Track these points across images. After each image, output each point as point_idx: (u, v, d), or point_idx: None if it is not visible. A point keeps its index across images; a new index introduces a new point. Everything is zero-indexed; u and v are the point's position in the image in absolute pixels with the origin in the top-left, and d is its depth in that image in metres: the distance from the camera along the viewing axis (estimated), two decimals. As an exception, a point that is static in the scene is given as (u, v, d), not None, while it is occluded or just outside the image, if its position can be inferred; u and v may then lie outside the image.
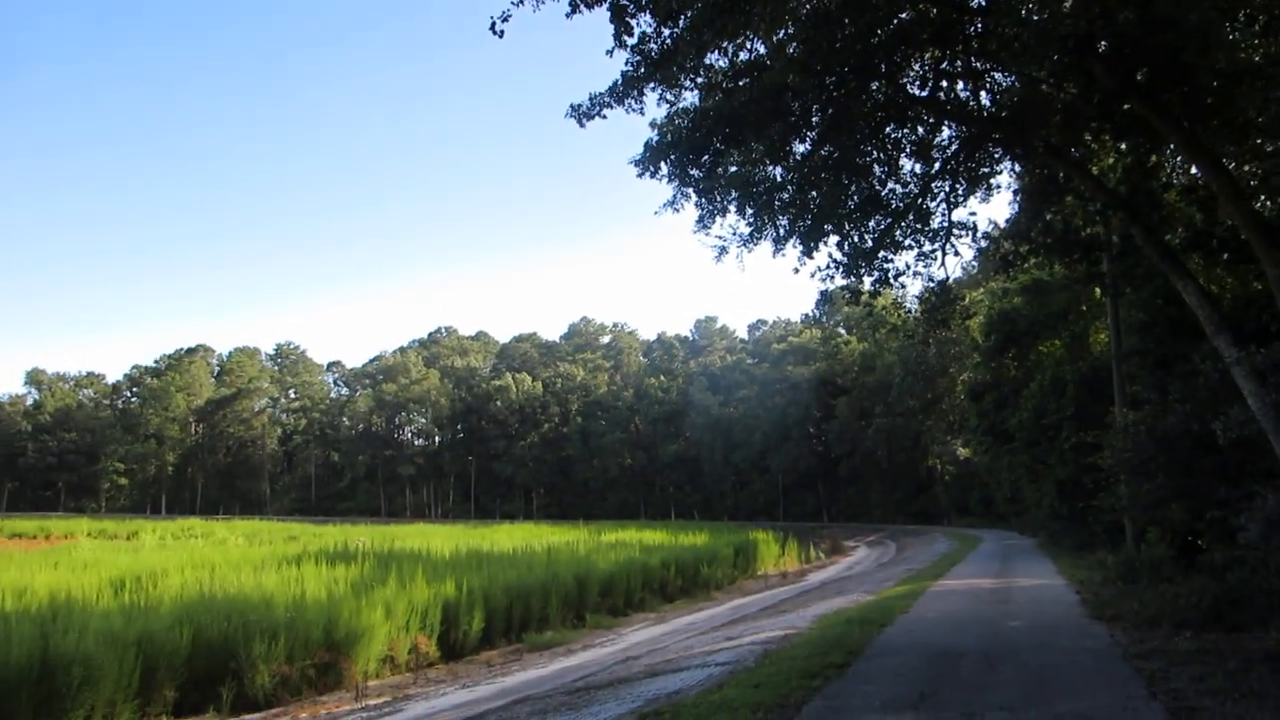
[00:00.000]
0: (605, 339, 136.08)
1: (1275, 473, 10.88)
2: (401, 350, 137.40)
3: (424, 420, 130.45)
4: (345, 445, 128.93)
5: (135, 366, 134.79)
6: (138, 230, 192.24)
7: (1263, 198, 13.72)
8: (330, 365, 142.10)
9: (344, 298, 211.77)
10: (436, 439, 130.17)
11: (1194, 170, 13.93)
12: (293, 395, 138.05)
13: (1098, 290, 21.32)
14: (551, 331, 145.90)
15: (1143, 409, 16.63)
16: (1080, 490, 26.02)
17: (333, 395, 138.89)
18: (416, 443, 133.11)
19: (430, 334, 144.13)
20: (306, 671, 13.66)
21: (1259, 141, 13.72)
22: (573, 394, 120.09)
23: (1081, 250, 16.68)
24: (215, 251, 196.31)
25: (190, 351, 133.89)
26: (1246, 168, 13.81)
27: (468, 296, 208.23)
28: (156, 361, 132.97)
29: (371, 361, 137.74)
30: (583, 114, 12.42)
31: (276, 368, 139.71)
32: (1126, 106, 12.65)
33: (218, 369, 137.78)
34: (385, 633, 15.12)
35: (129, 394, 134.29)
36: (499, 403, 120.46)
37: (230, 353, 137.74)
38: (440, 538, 36.96)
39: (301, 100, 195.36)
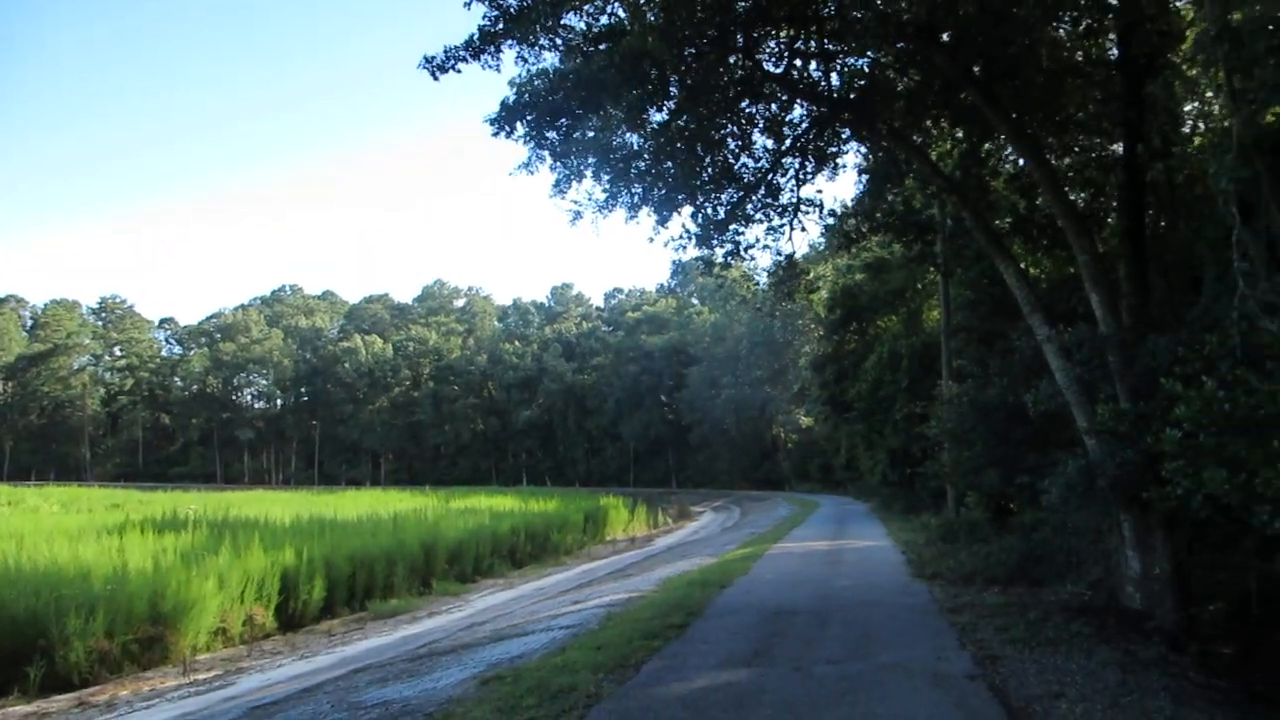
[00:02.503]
0: (459, 302, 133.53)
1: (1076, 441, 11.86)
2: (242, 308, 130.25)
3: (265, 382, 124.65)
4: (177, 407, 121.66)
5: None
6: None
7: (1078, 189, 14.78)
8: (162, 322, 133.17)
9: (179, 252, 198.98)
10: (278, 402, 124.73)
11: (1020, 160, 14.86)
12: (118, 353, 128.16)
13: (932, 269, 22.52)
14: (404, 293, 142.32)
15: (966, 382, 17.75)
16: (910, 458, 27.66)
17: (164, 354, 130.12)
18: (256, 405, 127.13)
19: (274, 292, 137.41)
20: (129, 647, 12.92)
21: (1078, 136, 14.79)
22: (425, 357, 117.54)
23: (918, 231, 17.55)
24: (31, 196, 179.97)
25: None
26: (1066, 160, 14.83)
27: (315, 255, 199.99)
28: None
29: (209, 319, 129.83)
30: (437, 66, 12.04)
31: (100, 323, 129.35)
32: (963, 96, 13.33)
33: (30, 322, 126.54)
34: (217, 604, 14.49)
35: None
36: (347, 365, 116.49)
37: (45, 305, 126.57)
38: (280, 505, 35.59)
39: (141, 43, 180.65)
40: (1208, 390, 7.14)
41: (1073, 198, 13.92)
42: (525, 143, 13.37)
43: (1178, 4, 12.00)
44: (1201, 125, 13.51)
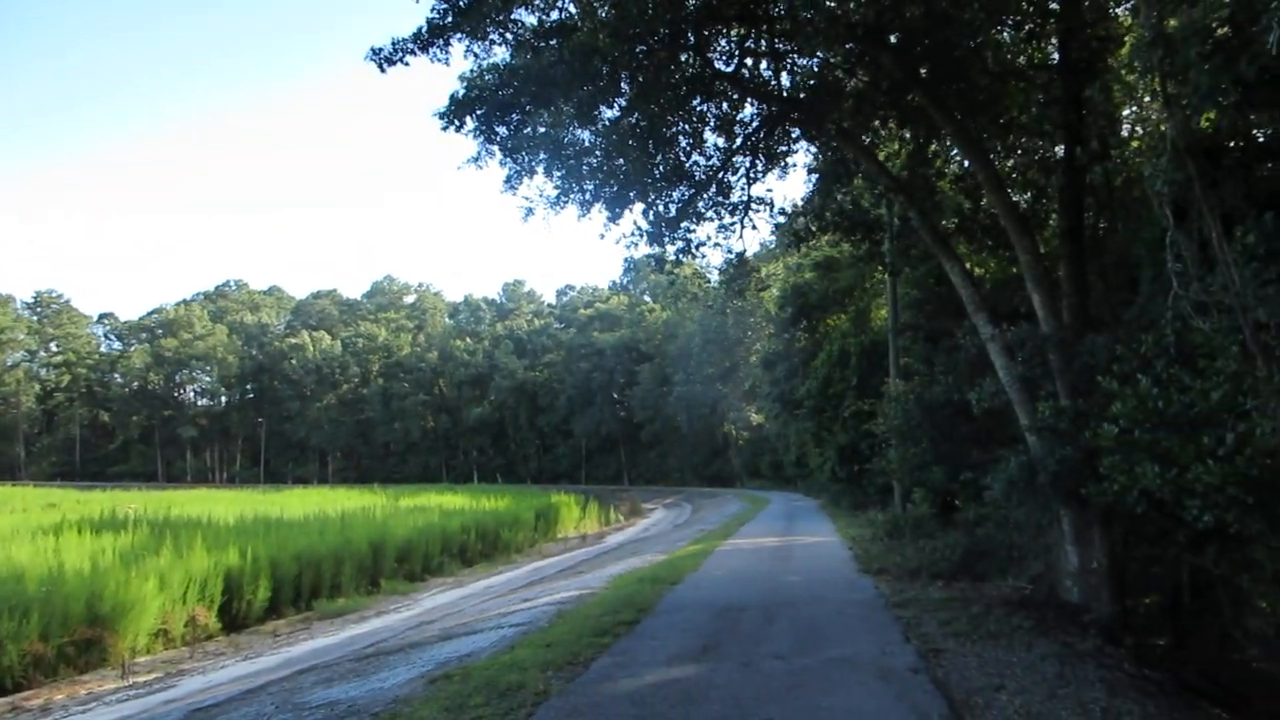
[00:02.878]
0: (409, 299, 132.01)
1: (1018, 438, 12.11)
2: (185, 303, 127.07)
3: (209, 379, 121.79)
4: (117, 404, 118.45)
5: None
6: None
7: (1020, 190, 15.08)
8: (101, 317, 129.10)
9: (120, 246, 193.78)
10: (223, 399, 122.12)
11: (965, 161, 15.11)
12: (54, 348, 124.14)
13: (880, 268, 22.81)
14: (353, 289, 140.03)
15: (912, 380, 18.02)
16: (858, 455, 27.99)
17: (103, 350, 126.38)
18: (200, 403, 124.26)
19: (218, 287, 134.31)
20: (65, 649, 12.59)
21: (1021, 138, 15.09)
22: (374, 354, 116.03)
23: (866, 230, 17.76)
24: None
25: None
26: (1009, 162, 15.12)
27: (260, 250, 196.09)
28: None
29: (150, 314, 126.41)
30: (384, 59, 11.89)
31: (35, 318, 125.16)
32: (910, 97, 13.52)
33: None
34: (158, 605, 14.18)
35: None
36: (294, 361, 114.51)
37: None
38: (225, 503, 34.98)
39: (97, 39, 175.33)
40: (1143, 388, 7.32)
41: (1015, 199, 14.19)
42: (475, 137, 13.27)
43: (1117, 10, 12.30)
44: (1139, 129, 13.86)
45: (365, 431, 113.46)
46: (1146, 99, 11.82)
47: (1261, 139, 7.43)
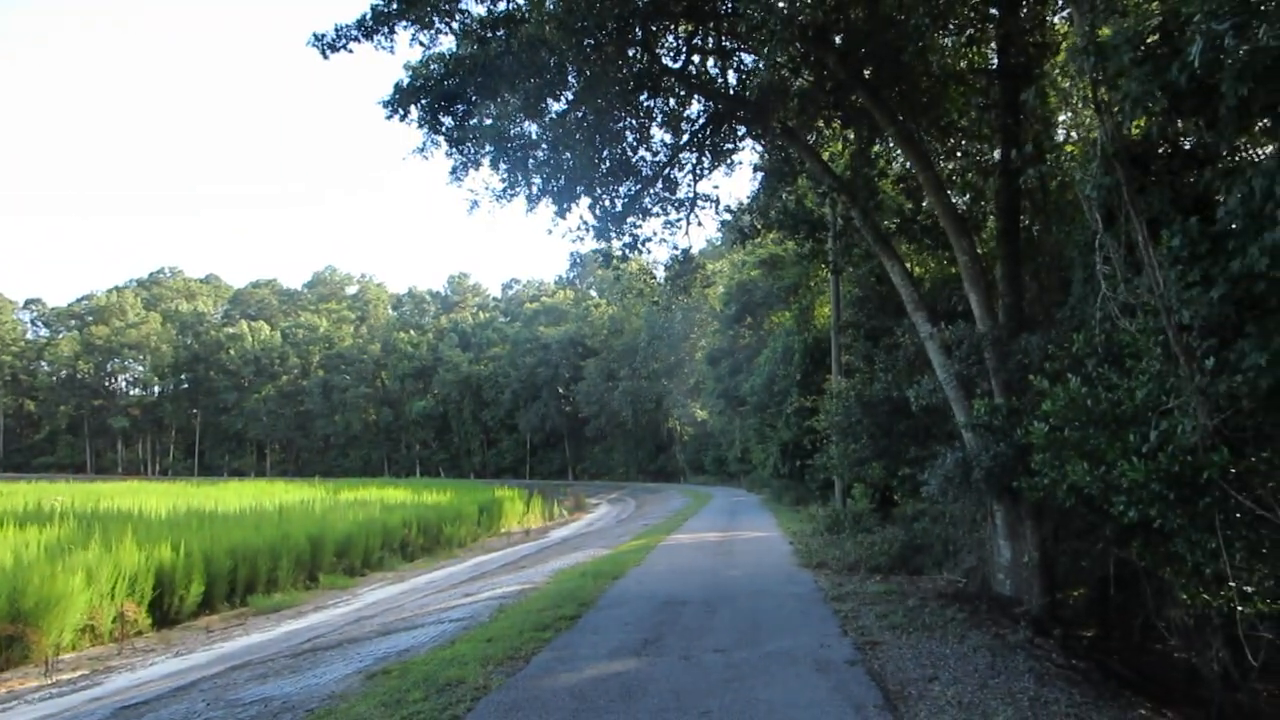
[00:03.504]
0: (352, 290, 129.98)
1: (955, 435, 12.38)
2: (117, 290, 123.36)
3: (142, 368, 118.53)
4: (44, 393, 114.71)
5: None
6: None
7: (959, 192, 15.38)
8: (28, 303, 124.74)
9: (49, 230, 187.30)
10: (156, 389, 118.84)
11: (906, 163, 15.36)
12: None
13: (823, 267, 23.08)
14: (294, 279, 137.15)
15: (854, 377, 18.26)
16: (801, 450, 28.34)
17: (29, 336, 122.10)
18: (132, 393, 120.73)
19: (152, 274, 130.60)
20: (-15, 647, 12.16)
21: (961, 141, 15.39)
22: (315, 345, 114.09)
23: (810, 228, 17.94)
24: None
25: None
26: (949, 164, 15.41)
27: (197, 237, 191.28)
28: None
29: (79, 301, 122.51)
30: (327, 45, 11.71)
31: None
32: (854, 98, 13.70)
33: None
34: (85, 600, 13.74)
35: None
36: (231, 351, 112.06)
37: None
38: (157, 496, 34.11)
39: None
40: (1072, 387, 7.52)
41: (954, 200, 14.48)
42: (420, 127, 13.17)
43: (1053, 18, 12.61)
44: (1073, 134, 14.23)
45: (305, 424, 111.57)
46: (1079, 105, 12.13)
47: (1187, 147, 7.66)
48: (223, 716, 7.22)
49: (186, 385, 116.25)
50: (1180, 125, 6.77)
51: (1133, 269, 7.20)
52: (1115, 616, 11.55)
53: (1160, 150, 7.74)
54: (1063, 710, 6.48)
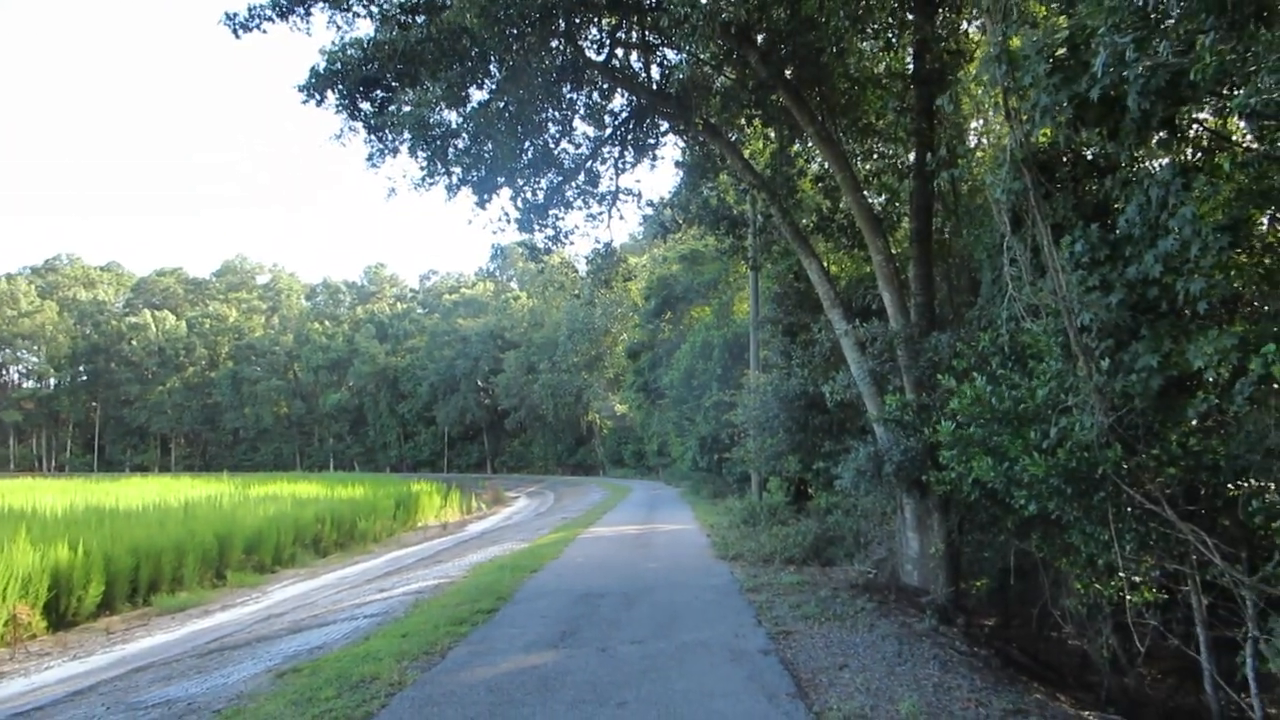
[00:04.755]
0: (263, 279, 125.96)
1: (867, 429, 12.70)
2: (8, 277, 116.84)
3: (36, 359, 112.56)
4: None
5: None
6: None
7: (876, 193, 15.76)
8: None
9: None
10: (52, 381, 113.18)
11: (825, 163, 15.66)
12: None
13: (743, 263, 23.36)
14: (201, 268, 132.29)
15: (771, 372, 18.56)
16: (719, 444, 28.65)
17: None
18: (25, 385, 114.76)
19: (48, 261, 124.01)
20: None
21: (877, 143, 15.77)
22: (223, 335, 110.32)
23: (730, 225, 18.13)
24: None
25: None
26: (866, 165, 15.77)
27: (98, 223, 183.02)
28: None
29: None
30: (239, 24, 11.34)
31: None
32: (775, 98, 13.90)
33: None
34: (-28, 604, 13.08)
35: None
36: (134, 342, 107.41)
37: None
38: (53, 493, 32.55)
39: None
40: (978, 385, 7.80)
41: (871, 201, 14.81)
42: (338, 113, 12.91)
43: (967, 26, 13.01)
44: (985, 140, 14.72)
45: (213, 417, 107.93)
46: (991, 112, 12.54)
47: (1090, 156, 8.00)
48: None
49: (85, 377, 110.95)
50: (1085, 135, 7.05)
51: (1037, 272, 7.49)
52: (1015, 605, 12.03)
53: (1065, 158, 8.06)
54: (964, 695, 6.73)
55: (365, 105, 12.80)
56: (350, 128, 13.09)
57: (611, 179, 16.24)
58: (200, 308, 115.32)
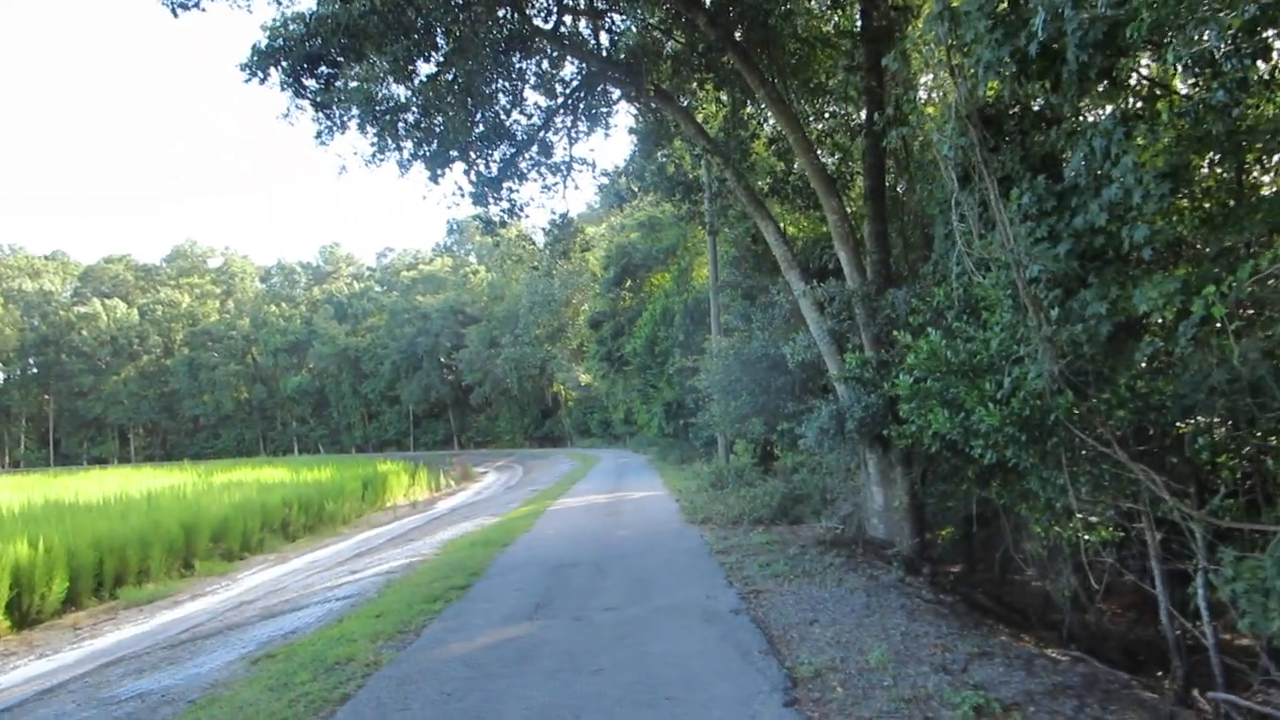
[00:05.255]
0: (215, 262, 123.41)
1: (829, 388, 12.87)
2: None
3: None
4: None
5: None
6: None
7: (828, 153, 15.83)
8: None
9: None
10: (1, 376, 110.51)
11: (777, 125, 15.69)
12: None
13: (700, 228, 23.40)
14: (150, 254, 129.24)
15: (733, 335, 18.68)
16: (684, 410, 28.83)
17: None
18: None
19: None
20: None
21: (829, 103, 15.81)
22: (177, 322, 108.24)
23: (686, 190, 18.16)
24: None
25: None
26: (818, 126, 15.82)
27: (41, 221, 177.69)
28: None
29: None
30: (177, 3, 11.05)
31: None
32: (725, 60, 13.87)
33: None
34: (-72, 608, 12.85)
35: None
36: (85, 332, 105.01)
37: None
38: (9, 490, 31.92)
39: None
40: (933, 339, 7.94)
41: (824, 161, 14.88)
42: (283, 90, 12.66)
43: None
44: (934, 96, 14.80)
45: (171, 405, 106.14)
46: (937, 69, 12.62)
47: (1036, 108, 8.10)
48: (96, 716, 6.94)
49: (35, 370, 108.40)
50: (1029, 88, 7.14)
51: (986, 225, 7.61)
52: (979, 552, 12.34)
53: (1011, 111, 8.17)
54: (931, 641, 6.92)
55: (310, 82, 12.58)
56: (297, 106, 12.88)
57: (565, 149, 16.18)
58: (152, 294, 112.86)
